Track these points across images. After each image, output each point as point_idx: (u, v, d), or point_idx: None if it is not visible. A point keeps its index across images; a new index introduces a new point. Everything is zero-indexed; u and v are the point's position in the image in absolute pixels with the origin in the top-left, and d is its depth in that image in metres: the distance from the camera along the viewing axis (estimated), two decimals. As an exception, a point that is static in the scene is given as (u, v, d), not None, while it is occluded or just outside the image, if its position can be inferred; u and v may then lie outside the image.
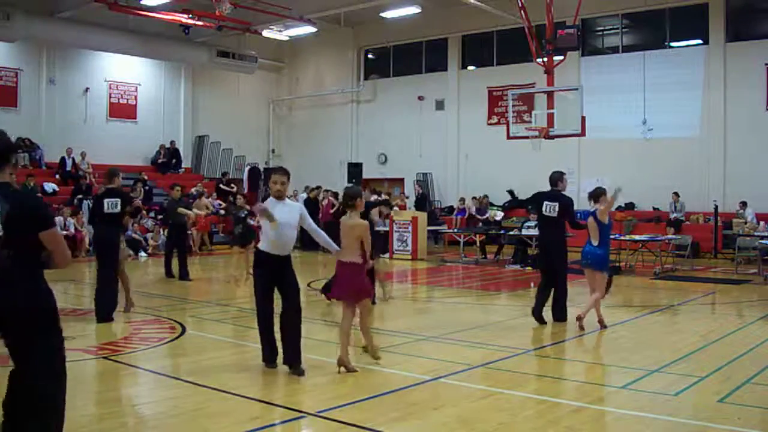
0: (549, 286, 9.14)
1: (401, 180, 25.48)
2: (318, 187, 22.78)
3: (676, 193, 19.72)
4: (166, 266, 13.92)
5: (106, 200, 9.33)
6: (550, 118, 15.95)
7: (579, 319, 8.53)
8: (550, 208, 9.21)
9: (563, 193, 9.39)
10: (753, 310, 10.81)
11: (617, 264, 15.72)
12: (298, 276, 6.61)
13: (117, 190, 9.59)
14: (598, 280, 8.74)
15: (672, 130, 20.28)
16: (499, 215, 21.19)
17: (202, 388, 6.01)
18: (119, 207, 9.29)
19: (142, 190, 20.90)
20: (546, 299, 9.13)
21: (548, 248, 9.43)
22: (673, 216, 19.57)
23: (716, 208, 18.59)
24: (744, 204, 18.50)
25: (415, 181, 24.47)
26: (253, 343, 8.01)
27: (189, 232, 14.20)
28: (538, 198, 9.52)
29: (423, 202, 23.05)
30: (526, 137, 16.58)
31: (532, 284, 13.71)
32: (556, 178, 9.37)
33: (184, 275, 13.56)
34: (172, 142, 24.87)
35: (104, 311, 9.07)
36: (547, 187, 9.44)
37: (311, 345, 7.12)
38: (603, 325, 8.72)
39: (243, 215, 13.63)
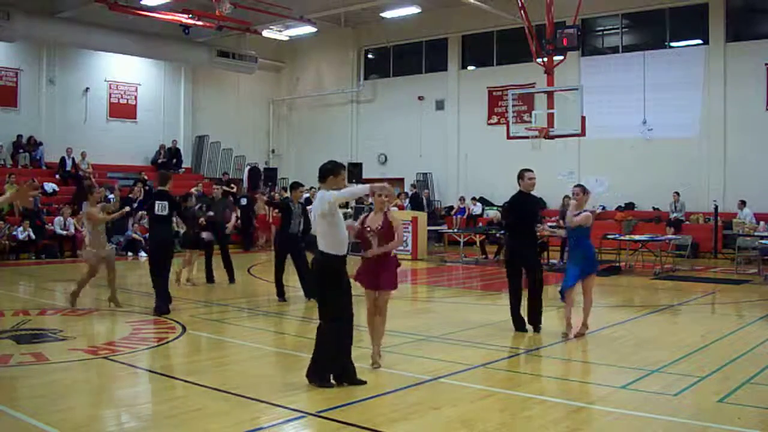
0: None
1: (401, 180, 25.48)
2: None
3: (676, 193, 19.72)
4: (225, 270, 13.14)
5: (157, 202, 9.67)
6: (550, 118, 15.95)
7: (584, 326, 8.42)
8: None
9: (518, 192, 8.91)
10: (753, 310, 10.80)
11: (617, 264, 15.74)
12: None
13: (167, 193, 9.77)
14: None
15: (672, 130, 20.28)
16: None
17: (202, 388, 6.02)
18: (167, 210, 9.60)
19: (143, 190, 20.89)
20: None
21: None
22: (673, 216, 19.56)
23: (716, 208, 18.59)
24: (743, 203, 18.46)
25: (413, 182, 24.53)
26: (252, 343, 8.03)
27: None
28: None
29: (415, 202, 23.10)
30: (526, 137, 16.57)
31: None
32: (517, 175, 8.87)
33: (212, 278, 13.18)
34: (173, 142, 24.87)
35: (158, 306, 9.66)
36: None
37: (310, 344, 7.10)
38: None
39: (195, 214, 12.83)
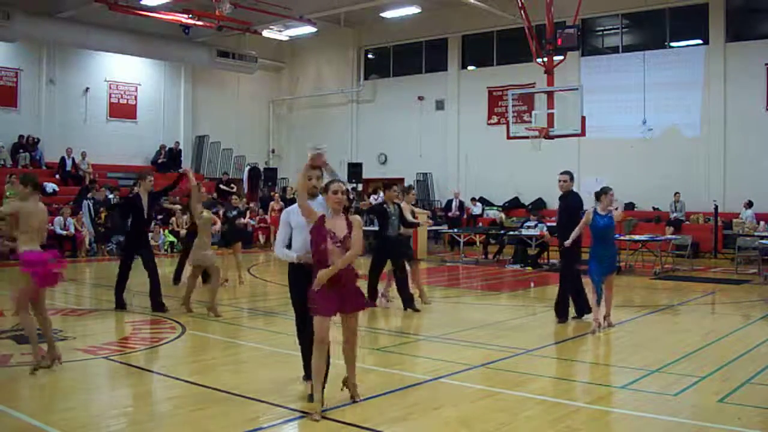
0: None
1: (401, 180, 25.46)
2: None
3: (676, 193, 19.71)
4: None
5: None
6: (550, 118, 15.96)
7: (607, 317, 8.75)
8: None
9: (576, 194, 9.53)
10: (753, 310, 10.80)
11: (617, 264, 15.71)
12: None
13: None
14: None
15: (672, 130, 20.30)
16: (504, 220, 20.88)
17: (202, 388, 6.02)
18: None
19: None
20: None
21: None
22: (673, 216, 19.56)
23: (716, 208, 18.59)
24: (750, 203, 18.27)
25: (413, 182, 24.51)
26: (252, 343, 8.04)
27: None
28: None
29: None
30: (526, 137, 16.58)
31: (532, 284, 13.75)
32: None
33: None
34: (176, 143, 24.82)
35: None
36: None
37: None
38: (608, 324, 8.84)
39: (233, 214, 13.47)
